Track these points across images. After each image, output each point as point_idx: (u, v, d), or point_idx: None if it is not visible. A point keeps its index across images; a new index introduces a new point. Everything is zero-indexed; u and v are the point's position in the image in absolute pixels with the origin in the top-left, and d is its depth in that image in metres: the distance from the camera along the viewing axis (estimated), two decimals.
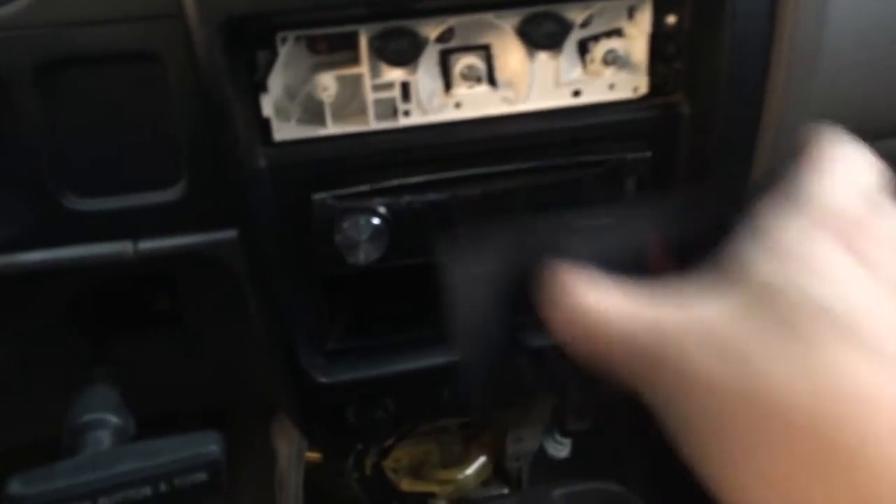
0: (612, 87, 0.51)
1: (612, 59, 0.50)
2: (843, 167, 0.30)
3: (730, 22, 0.47)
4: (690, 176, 0.51)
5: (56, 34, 0.43)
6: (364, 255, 0.50)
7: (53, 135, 0.44)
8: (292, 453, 0.77)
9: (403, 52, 0.47)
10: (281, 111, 0.48)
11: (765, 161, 0.51)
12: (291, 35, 0.46)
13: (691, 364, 0.26)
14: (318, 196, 0.49)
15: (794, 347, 0.25)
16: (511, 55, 0.50)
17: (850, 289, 0.26)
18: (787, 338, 0.25)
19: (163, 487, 0.40)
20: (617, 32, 0.50)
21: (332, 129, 0.49)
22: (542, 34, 0.49)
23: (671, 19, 0.50)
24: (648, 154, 0.51)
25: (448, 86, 0.49)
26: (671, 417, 0.27)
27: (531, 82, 0.50)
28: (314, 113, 0.49)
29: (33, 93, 0.43)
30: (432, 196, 0.50)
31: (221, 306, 0.57)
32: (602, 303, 0.29)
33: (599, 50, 0.50)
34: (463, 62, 0.49)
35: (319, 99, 0.48)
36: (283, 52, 0.46)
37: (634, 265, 0.31)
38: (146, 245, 0.47)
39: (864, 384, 0.24)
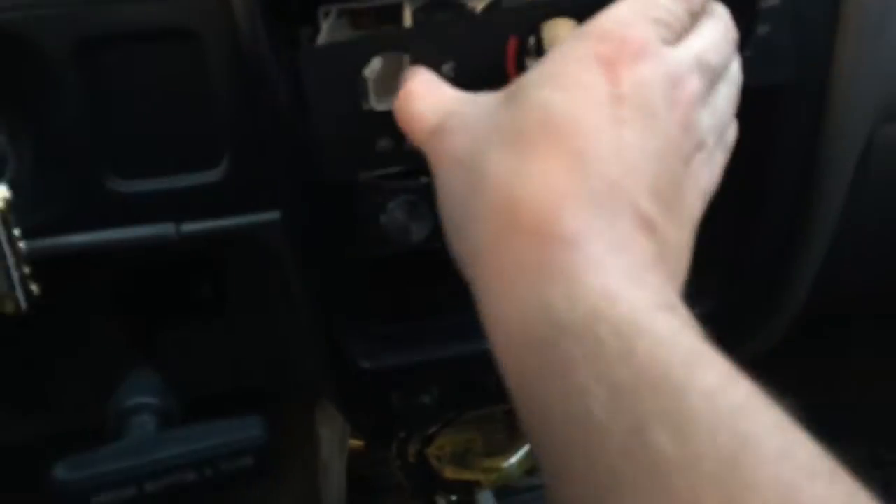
0: None
1: None
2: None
3: None
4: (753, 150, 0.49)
5: (96, 11, 0.42)
6: (410, 235, 0.49)
7: (95, 115, 0.44)
8: (335, 440, 0.77)
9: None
10: None
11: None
12: (334, 9, 0.45)
13: (452, 139, 0.34)
14: (363, 175, 0.48)
15: (516, 144, 0.31)
16: (559, 28, 0.48)
17: (584, 109, 0.31)
18: (515, 137, 0.31)
19: (208, 472, 0.39)
20: None
21: (375, 106, 0.47)
22: (591, 7, 0.47)
23: None
24: None
25: None
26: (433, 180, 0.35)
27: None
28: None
29: (75, 72, 0.42)
30: None
31: (265, 291, 0.56)
32: (420, 88, 0.37)
33: None
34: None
35: (363, 75, 0.47)
36: (326, 26, 0.45)
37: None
38: (189, 227, 0.47)
39: (554, 178, 0.30)
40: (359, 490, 0.82)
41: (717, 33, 0.36)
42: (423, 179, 0.48)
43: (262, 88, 0.44)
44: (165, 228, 0.46)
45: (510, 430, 0.86)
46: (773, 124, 0.50)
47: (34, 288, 0.43)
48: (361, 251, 0.50)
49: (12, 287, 0.42)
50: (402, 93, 0.38)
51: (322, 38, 0.45)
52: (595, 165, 0.30)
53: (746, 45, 0.38)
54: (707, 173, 0.35)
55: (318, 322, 0.52)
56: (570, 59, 0.33)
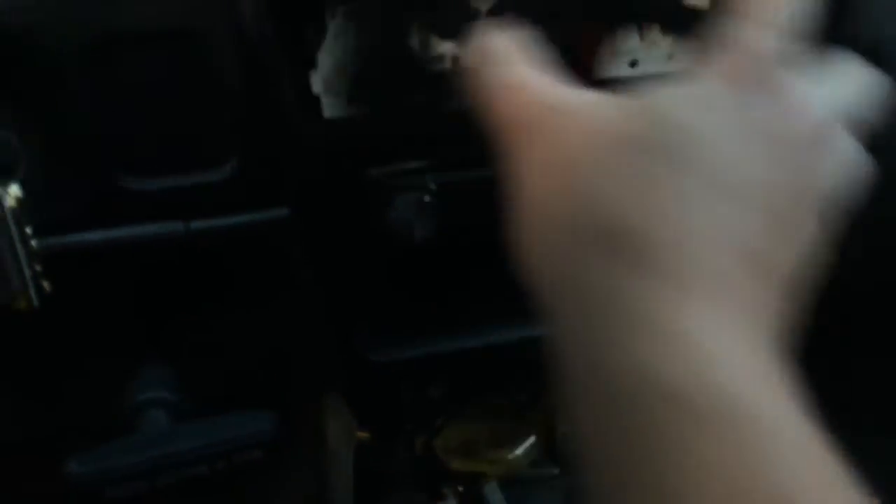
0: (670, 57, 0.49)
1: None
2: (767, 10, 0.30)
3: None
4: None
5: (104, 12, 0.42)
6: (418, 232, 0.49)
7: (105, 114, 0.44)
8: (342, 432, 0.77)
9: (455, 24, 0.46)
10: (330, 87, 0.47)
11: None
12: (341, 8, 0.45)
13: (555, 136, 0.29)
14: (372, 172, 0.48)
15: (634, 164, 0.27)
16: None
17: (715, 138, 0.28)
18: (634, 156, 0.28)
19: (220, 466, 0.40)
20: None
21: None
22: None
23: None
24: None
25: None
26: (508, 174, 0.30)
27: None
28: None
29: (84, 72, 0.43)
30: (486, 172, 0.49)
31: (273, 286, 0.57)
32: (518, 73, 0.31)
33: None
34: None
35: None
36: (333, 25, 0.45)
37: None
38: (198, 224, 0.47)
39: (671, 208, 0.27)
40: (366, 482, 0.83)
41: (863, 88, 0.33)
42: (434, 176, 0.49)
43: (269, 87, 0.44)
44: (175, 226, 0.47)
45: (516, 422, 0.87)
46: None
47: (46, 285, 0.43)
48: (369, 248, 0.51)
49: (25, 284, 0.43)
50: (496, 82, 0.32)
51: (329, 37, 0.45)
52: (715, 200, 0.27)
53: None
54: (821, 225, 0.31)
55: (328, 316, 0.53)
56: (705, 84, 0.29)
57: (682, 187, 0.27)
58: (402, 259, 0.54)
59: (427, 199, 0.49)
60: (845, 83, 0.33)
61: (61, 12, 0.42)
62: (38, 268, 0.43)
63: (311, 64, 0.46)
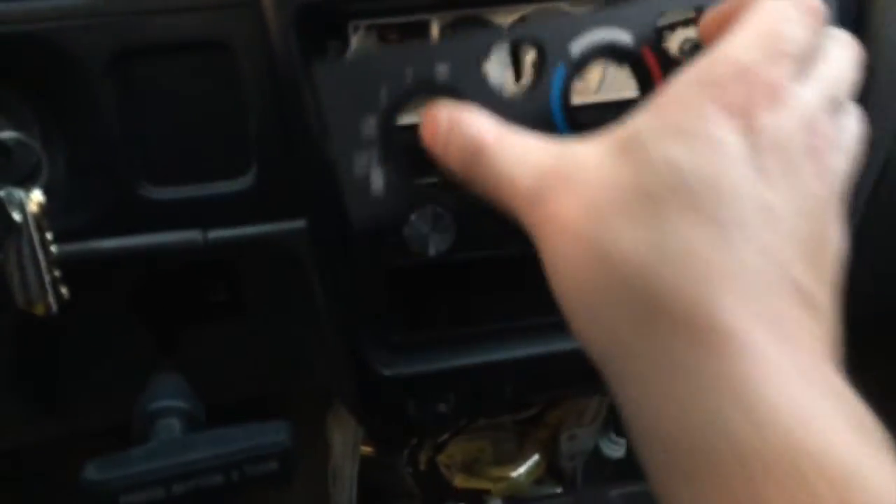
0: None
1: (688, 49, 0.49)
2: (764, 21, 0.29)
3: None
4: None
5: (131, 23, 0.43)
6: (432, 247, 0.49)
7: (128, 123, 0.44)
8: (347, 446, 0.77)
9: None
10: None
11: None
12: (363, 24, 0.46)
13: (557, 204, 0.28)
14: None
15: (645, 212, 0.26)
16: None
17: (720, 168, 0.26)
18: (643, 203, 0.26)
19: (234, 476, 0.40)
20: (693, 21, 0.49)
21: (402, 118, 0.48)
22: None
23: None
24: None
25: (519, 75, 0.48)
26: (538, 251, 0.29)
27: (603, 72, 0.49)
28: None
29: (110, 81, 0.43)
30: None
31: (284, 297, 0.57)
32: (493, 140, 0.31)
33: (675, 39, 0.49)
34: (534, 52, 0.48)
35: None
36: (355, 40, 0.46)
37: None
38: (216, 234, 0.47)
39: (699, 255, 0.25)
40: (369, 496, 0.83)
41: (843, 60, 0.31)
42: (448, 192, 0.49)
43: (291, 100, 0.44)
44: (193, 235, 0.47)
45: (520, 440, 0.87)
46: None
47: (64, 291, 0.44)
48: (384, 261, 0.51)
49: (44, 290, 0.43)
50: (467, 146, 0.31)
51: (351, 52, 0.46)
52: (743, 235, 0.26)
53: None
54: (840, 226, 0.30)
55: (339, 329, 0.53)
56: (692, 107, 0.27)
57: (698, 229, 0.26)
58: (413, 274, 0.54)
59: (442, 214, 0.49)
60: (836, 61, 0.31)
61: (89, 21, 0.42)
62: (57, 274, 0.43)
63: None
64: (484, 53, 0.35)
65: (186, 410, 0.44)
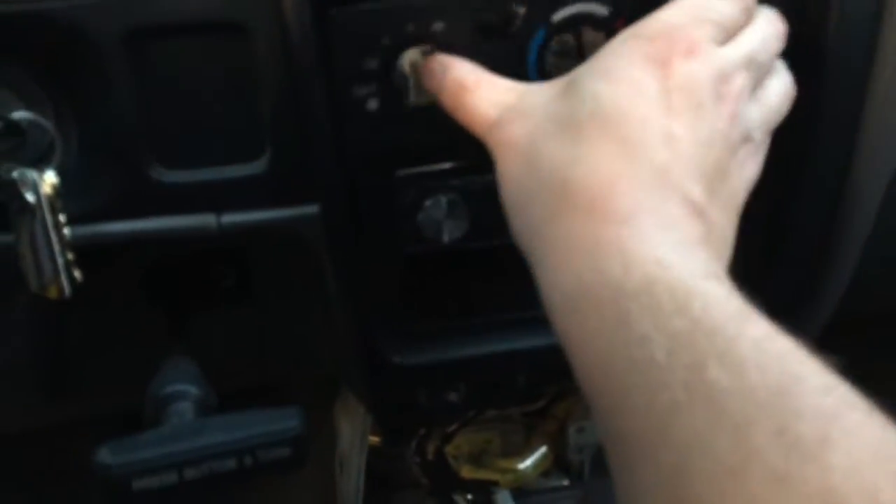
0: None
1: None
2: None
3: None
4: (787, 165, 0.49)
5: (145, 2, 0.42)
6: (446, 233, 0.49)
7: (142, 104, 0.44)
8: (355, 435, 0.77)
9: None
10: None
11: (869, 147, 0.49)
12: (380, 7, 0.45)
13: (510, 132, 0.36)
14: (401, 173, 0.48)
15: (569, 133, 0.34)
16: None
17: (633, 101, 0.33)
18: (569, 126, 0.34)
19: (247, 461, 0.40)
20: None
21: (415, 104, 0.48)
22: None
23: None
24: None
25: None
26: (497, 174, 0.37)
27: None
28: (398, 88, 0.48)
29: (123, 61, 0.43)
30: None
31: (294, 283, 0.56)
32: (472, 80, 0.40)
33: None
34: (554, 38, 0.48)
35: (404, 73, 0.47)
36: None
37: None
38: (229, 218, 0.47)
39: (606, 163, 0.32)
40: (375, 486, 0.82)
41: (767, 31, 0.38)
42: (463, 178, 0.48)
43: (307, 83, 0.44)
44: (206, 219, 0.47)
45: (527, 432, 0.86)
46: (809, 144, 0.50)
47: (77, 274, 0.43)
48: (397, 248, 0.51)
49: (57, 273, 0.42)
50: (453, 85, 0.40)
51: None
52: (643, 152, 0.32)
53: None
54: (752, 164, 0.37)
55: (351, 316, 0.53)
56: (622, 56, 0.35)
57: (608, 145, 0.32)
58: (426, 262, 0.54)
59: (456, 200, 0.49)
60: (760, 31, 0.37)
61: (103, 1, 0.42)
62: (70, 256, 0.42)
63: None
64: (475, 16, 0.42)
65: (199, 395, 0.44)
